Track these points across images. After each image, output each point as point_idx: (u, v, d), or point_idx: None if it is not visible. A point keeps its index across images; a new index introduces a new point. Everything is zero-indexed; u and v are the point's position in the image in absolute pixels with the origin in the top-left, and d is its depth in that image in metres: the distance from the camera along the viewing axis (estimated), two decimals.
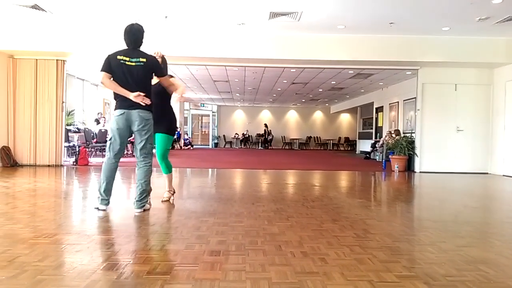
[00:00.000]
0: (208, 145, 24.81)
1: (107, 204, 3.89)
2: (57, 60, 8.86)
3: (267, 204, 4.47)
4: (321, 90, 16.39)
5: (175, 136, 19.19)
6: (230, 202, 4.52)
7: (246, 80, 14.21)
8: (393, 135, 11.47)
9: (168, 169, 4.48)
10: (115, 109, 3.83)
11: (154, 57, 3.99)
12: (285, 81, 14.31)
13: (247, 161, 12.36)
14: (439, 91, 9.33)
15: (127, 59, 3.75)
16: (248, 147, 24.18)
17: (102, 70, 3.75)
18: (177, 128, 4.61)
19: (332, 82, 14.26)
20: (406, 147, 9.36)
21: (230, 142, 24.58)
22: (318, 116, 25.44)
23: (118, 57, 3.75)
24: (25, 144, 8.78)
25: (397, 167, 9.16)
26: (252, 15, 7.30)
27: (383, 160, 10.55)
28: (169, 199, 4.48)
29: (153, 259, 2.42)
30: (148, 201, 4.00)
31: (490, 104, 9.34)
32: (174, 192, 4.60)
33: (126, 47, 3.84)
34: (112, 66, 3.74)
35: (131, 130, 3.84)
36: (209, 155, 15.44)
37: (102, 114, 13.45)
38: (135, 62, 3.75)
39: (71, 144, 9.97)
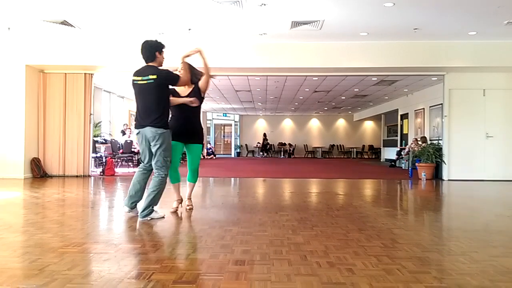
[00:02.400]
0: (231, 155, 24.92)
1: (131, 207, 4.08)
2: (85, 73, 9.13)
3: (291, 213, 4.43)
4: (344, 97, 16.25)
5: None
6: (253, 211, 4.51)
7: (268, 89, 14.25)
8: (419, 142, 11.22)
9: (177, 179, 4.47)
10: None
11: (166, 70, 4.02)
12: (307, 90, 14.27)
13: (270, 170, 12.33)
14: (467, 96, 9.08)
15: (139, 78, 3.93)
16: (270, 155, 24.15)
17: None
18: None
19: (355, 90, 14.12)
20: (433, 155, 9.13)
21: (252, 151, 24.62)
22: (341, 124, 25.20)
23: (133, 78, 3.99)
24: (55, 156, 9.05)
25: (425, 175, 8.94)
26: (273, 25, 7.34)
27: (410, 168, 10.32)
28: (177, 209, 4.47)
29: (179, 268, 2.43)
30: (155, 211, 4.01)
31: None
32: (181, 201, 4.57)
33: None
34: (134, 89, 4.01)
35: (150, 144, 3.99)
36: (232, 164, 15.50)
37: (128, 125, 13.74)
38: (146, 80, 3.89)
39: (98, 155, 10.21)
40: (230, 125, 25.50)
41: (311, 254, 2.77)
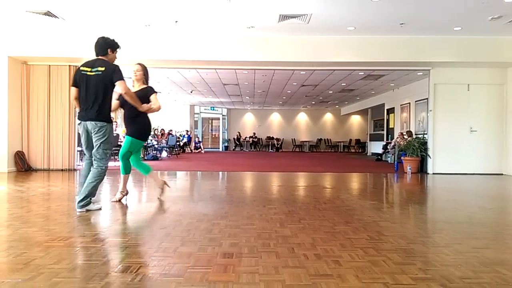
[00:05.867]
0: (218, 148, 24.87)
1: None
2: (69, 65, 8.98)
3: (279, 206, 4.45)
4: (331, 92, 16.33)
5: (186, 140, 19.42)
6: (241, 205, 4.52)
7: (255, 83, 14.23)
8: (405, 136, 11.36)
9: (125, 171, 4.64)
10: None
11: (115, 65, 4.08)
12: (295, 84, 14.29)
13: (258, 164, 12.35)
14: (452, 91, 9.22)
15: (88, 69, 4.00)
16: (258, 149, 24.18)
17: (72, 85, 4.10)
18: (149, 135, 4.81)
19: (342, 84, 14.20)
20: (418, 148, 9.26)
21: (241, 145, 24.60)
22: (328, 118, 25.34)
23: (80, 67, 4.04)
24: (39, 149, 8.91)
25: (410, 168, 9.07)
26: (261, 18, 7.32)
27: (395, 162, 10.44)
28: (120, 199, 4.63)
29: (166, 262, 2.43)
30: (93, 202, 4.12)
31: (503, 104, 9.20)
32: (126, 193, 4.76)
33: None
34: (77, 79, 4.03)
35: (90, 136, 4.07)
36: (220, 158, 15.47)
37: (113, 119, 13.57)
38: (94, 72, 3.96)
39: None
40: (218, 118, 25.41)
41: (299, 246, 2.79)
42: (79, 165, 9.51)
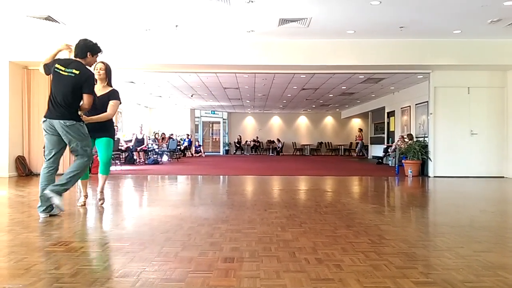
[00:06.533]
0: (219, 152, 24.86)
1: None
2: None
3: (280, 210, 4.45)
4: (331, 95, 16.34)
5: (187, 144, 19.42)
6: (242, 209, 4.51)
7: (256, 86, 14.24)
8: (406, 140, 11.35)
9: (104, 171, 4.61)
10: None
11: (90, 72, 4.03)
12: (295, 87, 14.31)
13: (259, 167, 12.35)
14: (452, 94, 9.22)
15: (62, 68, 3.93)
16: (259, 153, 24.18)
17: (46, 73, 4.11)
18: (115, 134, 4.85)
19: (343, 87, 14.21)
20: (419, 152, 9.25)
21: (241, 149, 24.59)
22: (329, 121, 25.33)
23: (55, 65, 3.97)
24: (40, 154, 8.87)
25: (411, 171, 9.06)
26: (261, 22, 7.34)
27: (396, 165, 10.44)
28: (85, 203, 4.56)
29: (167, 267, 2.42)
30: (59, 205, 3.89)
31: (504, 106, 9.20)
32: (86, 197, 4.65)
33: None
34: (51, 71, 4.00)
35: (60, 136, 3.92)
36: (220, 162, 15.47)
37: (114, 123, 13.58)
38: (68, 72, 3.89)
39: None
40: (219, 122, 25.41)
41: (300, 250, 2.78)
42: None
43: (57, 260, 2.52)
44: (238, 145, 24.46)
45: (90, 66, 4.15)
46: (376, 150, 18.12)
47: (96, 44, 4.16)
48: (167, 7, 6.57)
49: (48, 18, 7.19)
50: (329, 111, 23.80)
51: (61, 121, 3.81)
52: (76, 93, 3.90)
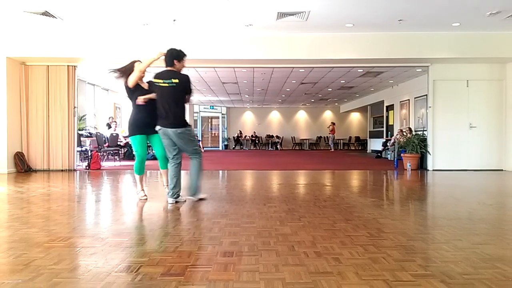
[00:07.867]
0: (218, 147, 24.85)
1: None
2: (68, 66, 8.97)
3: (279, 204, 4.46)
4: (330, 89, 16.32)
5: None
6: (241, 203, 4.52)
7: (254, 81, 14.21)
8: (405, 133, 11.36)
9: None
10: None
11: (186, 76, 4.46)
12: (294, 81, 14.28)
13: (258, 162, 12.35)
14: (451, 87, 9.21)
15: (161, 81, 4.34)
16: (258, 148, 24.18)
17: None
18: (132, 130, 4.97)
19: (342, 81, 14.19)
20: (418, 145, 9.26)
21: (241, 144, 24.59)
22: (328, 115, 25.31)
23: (154, 80, 4.40)
24: (39, 150, 8.90)
25: (410, 165, 9.07)
26: (259, 16, 7.30)
27: (395, 159, 10.45)
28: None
29: (166, 261, 2.43)
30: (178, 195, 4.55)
31: (503, 99, 9.20)
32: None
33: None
34: (154, 89, 4.42)
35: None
36: (219, 156, 15.47)
37: (113, 119, 13.58)
38: (168, 83, 4.32)
39: (83, 148, 10.08)
40: (218, 117, 25.37)
41: (299, 244, 2.79)
42: (78, 165, 9.52)
43: (56, 255, 2.53)
44: (238, 140, 24.42)
45: (181, 71, 4.52)
46: (375, 144, 18.15)
47: (180, 50, 4.53)
48: (165, 1, 6.53)
49: (45, 13, 7.15)
50: (328, 105, 23.78)
51: (173, 130, 4.36)
52: (181, 99, 4.41)
